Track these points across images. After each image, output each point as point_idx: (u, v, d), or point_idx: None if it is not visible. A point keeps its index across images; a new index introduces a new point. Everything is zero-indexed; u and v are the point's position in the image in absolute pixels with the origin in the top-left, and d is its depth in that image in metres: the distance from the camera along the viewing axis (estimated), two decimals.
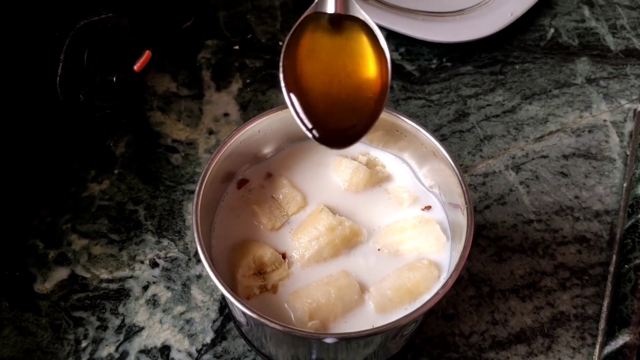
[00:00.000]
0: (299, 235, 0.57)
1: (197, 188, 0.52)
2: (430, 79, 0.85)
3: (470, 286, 0.67)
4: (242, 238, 0.57)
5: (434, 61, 0.87)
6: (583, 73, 0.87)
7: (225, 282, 0.46)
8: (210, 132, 0.79)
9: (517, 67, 0.87)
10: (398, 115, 0.56)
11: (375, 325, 0.51)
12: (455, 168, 0.53)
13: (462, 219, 0.52)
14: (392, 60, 0.86)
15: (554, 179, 0.76)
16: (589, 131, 0.81)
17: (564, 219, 0.72)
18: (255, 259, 0.54)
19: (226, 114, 0.81)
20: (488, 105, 0.83)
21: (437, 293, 0.47)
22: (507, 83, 0.85)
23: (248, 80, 0.84)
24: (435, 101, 0.83)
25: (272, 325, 0.47)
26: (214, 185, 0.55)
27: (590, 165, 0.77)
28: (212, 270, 0.47)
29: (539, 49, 0.90)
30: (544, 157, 0.78)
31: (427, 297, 0.53)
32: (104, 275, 0.67)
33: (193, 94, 0.83)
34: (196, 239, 0.49)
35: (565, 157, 0.78)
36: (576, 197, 0.74)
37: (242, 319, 0.56)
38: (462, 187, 0.52)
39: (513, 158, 0.78)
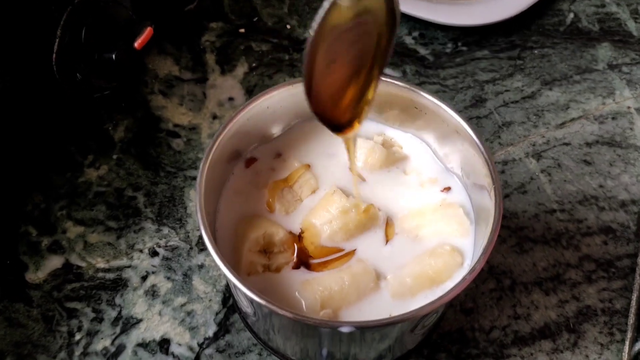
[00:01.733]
0: (311, 219, 0.53)
1: (202, 165, 0.48)
2: (445, 64, 0.82)
3: (490, 279, 0.63)
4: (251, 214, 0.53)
5: (449, 45, 0.84)
6: (605, 59, 0.83)
7: (227, 258, 0.42)
8: (214, 117, 0.76)
9: (536, 52, 0.84)
10: (417, 91, 0.52)
11: (393, 314, 0.47)
12: (481, 146, 0.49)
13: (487, 201, 0.48)
14: (405, 45, 0.84)
15: (577, 167, 0.72)
16: (613, 118, 0.77)
17: (588, 209, 0.69)
18: (265, 235, 0.51)
19: (231, 98, 0.78)
20: (506, 90, 0.79)
21: (463, 279, 0.43)
22: (526, 68, 0.82)
23: (254, 64, 0.81)
24: (450, 86, 0.79)
25: (282, 312, 0.43)
26: (219, 164, 0.52)
27: (615, 153, 0.74)
28: (211, 242, 0.43)
29: (558, 33, 0.86)
30: (566, 144, 0.74)
31: (449, 285, 0.49)
32: (101, 264, 0.64)
33: (196, 78, 0.80)
34: (198, 210, 0.45)
35: (588, 144, 0.75)
36: (601, 186, 0.71)
37: (248, 309, 0.52)
38: (488, 166, 0.48)
39: (533, 145, 0.74)
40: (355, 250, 0.52)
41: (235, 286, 0.44)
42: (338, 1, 0.40)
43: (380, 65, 0.46)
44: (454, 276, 0.50)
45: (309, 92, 0.42)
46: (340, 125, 0.47)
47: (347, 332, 0.43)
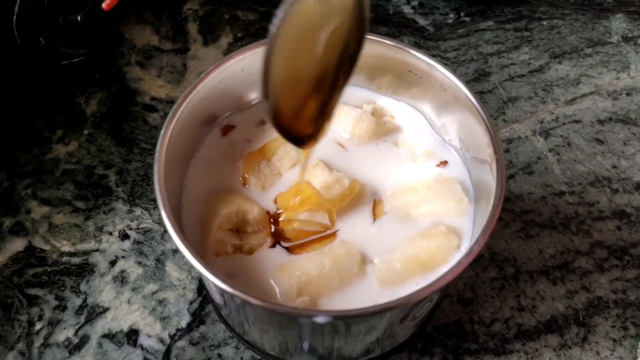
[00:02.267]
0: (289, 195, 0.47)
1: (164, 129, 0.43)
2: (446, 35, 0.77)
3: (491, 266, 0.60)
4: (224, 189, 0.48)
5: (451, 16, 0.79)
6: (619, 31, 0.78)
7: (192, 236, 0.37)
8: None
9: (544, 23, 0.78)
10: (411, 52, 0.47)
11: (379, 302, 0.41)
12: (482, 113, 0.43)
13: (488, 176, 0.43)
14: (403, 15, 0.78)
15: (588, 146, 0.68)
16: (627, 94, 0.72)
17: (600, 191, 0.65)
18: (238, 212, 0.46)
19: None
20: (512, 64, 0.75)
21: (459, 262, 0.38)
22: (534, 40, 0.76)
23: (239, 34, 0.77)
24: (451, 59, 0.74)
25: (250, 300, 0.38)
26: (189, 129, 0.47)
27: (630, 132, 0.69)
28: (165, 210, 0.38)
29: (568, 4, 0.81)
30: (577, 121, 0.69)
31: (443, 269, 0.44)
32: (66, 247, 0.61)
33: (177, 48, 0.75)
34: (155, 178, 0.40)
35: (600, 122, 0.70)
36: (614, 167, 0.67)
37: (218, 298, 0.47)
38: (490, 135, 0.42)
39: (541, 122, 0.69)
40: (338, 230, 0.48)
41: (195, 268, 0.39)
42: None
43: (345, 73, 0.43)
44: (450, 260, 0.45)
45: (267, 94, 0.38)
46: (300, 138, 0.44)
47: (323, 322, 0.37)
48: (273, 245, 0.46)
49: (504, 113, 0.70)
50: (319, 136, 0.44)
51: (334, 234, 0.47)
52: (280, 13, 0.36)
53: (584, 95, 0.72)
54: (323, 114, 0.44)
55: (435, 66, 0.46)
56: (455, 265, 0.38)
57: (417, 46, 0.75)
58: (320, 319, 0.37)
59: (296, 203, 0.47)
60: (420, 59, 0.47)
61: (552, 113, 0.70)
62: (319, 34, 0.40)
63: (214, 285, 0.39)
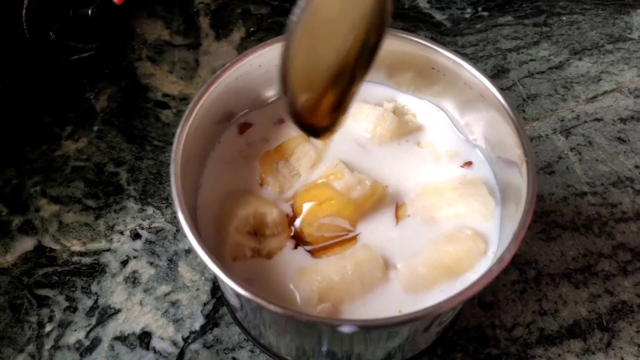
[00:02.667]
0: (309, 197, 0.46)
1: (179, 128, 0.41)
2: (464, 30, 0.75)
3: (512, 269, 0.58)
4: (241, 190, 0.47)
5: (468, 10, 0.78)
6: None
7: (209, 238, 0.35)
8: None
9: (564, 18, 0.77)
10: (436, 48, 0.45)
11: (403, 310, 0.41)
12: (511, 113, 0.42)
13: (517, 177, 0.42)
14: (419, 9, 0.77)
15: (610, 146, 0.67)
16: None
17: (623, 192, 0.63)
18: (256, 215, 0.45)
19: None
20: (531, 60, 0.73)
21: (489, 270, 0.36)
22: (553, 36, 0.75)
23: (252, 29, 0.76)
24: (469, 55, 0.73)
25: (271, 307, 0.36)
26: (205, 128, 0.46)
27: None
28: (184, 213, 0.37)
29: None
30: (598, 120, 0.68)
31: (470, 276, 0.43)
32: (76, 247, 0.60)
33: (188, 43, 0.74)
34: (172, 179, 0.39)
35: (622, 120, 0.69)
36: (637, 167, 0.65)
37: (234, 301, 0.45)
38: (519, 136, 0.41)
39: (562, 120, 0.68)
40: (359, 234, 0.47)
41: (214, 273, 0.37)
42: None
43: (364, 66, 0.43)
44: (476, 266, 0.43)
45: (285, 87, 0.38)
46: (316, 130, 0.44)
47: (349, 332, 0.36)
48: (295, 247, 0.45)
49: (523, 111, 0.69)
50: (336, 128, 0.44)
51: (354, 237, 0.45)
52: (301, 2, 0.35)
53: (605, 93, 0.71)
54: (340, 107, 0.43)
55: (462, 64, 0.45)
56: (485, 273, 0.37)
57: (434, 42, 0.74)
58: (345, 329, 0.36)
59: (316, 205, 0.45)
60: (447, 57, 0.45)
61: (573, 111, 0.69)
62: (339, 26, 0.40)
63: (233, 291, 0.38)
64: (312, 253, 0.45)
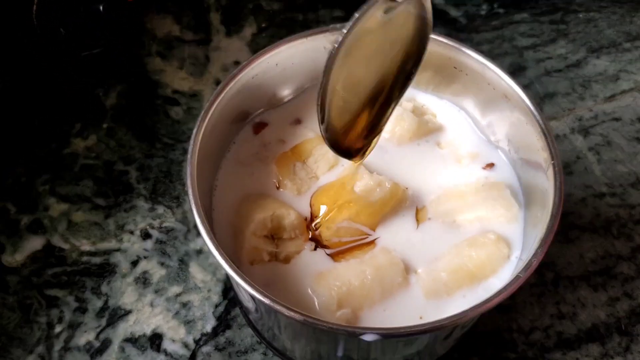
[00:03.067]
0: (326, 199, 0.45)
1: (195, 130, 0.41)
2: (480, 27, 0.75)
3: None
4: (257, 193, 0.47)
5: (484, 7, 0.77)
6: None
7: (225, 242, 0.34)
8: (218, 83, 0.70)
9: (580, 16, 0.76)
10: (457, 46, 0.44)
11: (425, 316, 0.41)
12: (536, 114, 0.41)
13: (543, 180, 0.41)
14: (434, 6, 0.76)
15: (629, 146, 0.66)
16: None
17: None
18: (274, 218, 0.44)
19: (237, 62, 0.72)
20: (548, 58, 0.72)
21: (517, 278, 0.36)
22: (570, 34, 0.74)
23: (263, 25, 0.75)
24: (485, 53, 0.70)
25: (289, 314, 0.35)
26: (219, 128, 0.45)
27: None
28: (201, 219, 0.36)
29: None
30: (616, 119, 0.68)
31: (493, 281, 0.42)
32: (86, 247, 0.59)
33: (199, 39, 0.74)
34: (188, 183, 0.39)
35: None
36: None
37: (249, 304, 0.44)
38: (545, 138, 0.40)
39: (580, 120, 0.67)
40: (379, 237, 0.46)
41: (232, 278, 0.36)
42: (372, 12, 0.37)
43: (398, 91, 0.44)
44: (499, 271, 0.43)
45: (323, 113, 0.39)
46: (349, 152, 0.46)
47: (371, 340, 0.35)
48: (315, 249, 0.45)
49: (541, 109, 0.67)
50: (369, 150, 0.45)
51: (373, 241, 0.45)
52: (345, 27, 0.36)
53: (623, 92, 0.70)
54: (374, 129, 0.45)
55: (486, 64, 0.44)
56: (512, 280, 0.36)
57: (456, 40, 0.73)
58: (368, 337, 0.35)
59: (334, 208, 0.44)
60: (471, 56, 0.45)
61: (591, 110, 0.68)
62: (378, 53, 0.41)
63: (250, 296, 0.37)
64: (332, 257, 0.44)
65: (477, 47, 0.72)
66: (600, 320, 0.55)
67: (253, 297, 0.37)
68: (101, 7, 0.59)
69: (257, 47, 0.72)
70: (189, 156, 0.41)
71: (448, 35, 0.72)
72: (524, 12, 0.76)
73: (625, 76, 0.71)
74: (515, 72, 0.70)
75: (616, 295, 0.57)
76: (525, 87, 0.68)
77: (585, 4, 0.78)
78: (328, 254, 0.44)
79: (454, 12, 0.76)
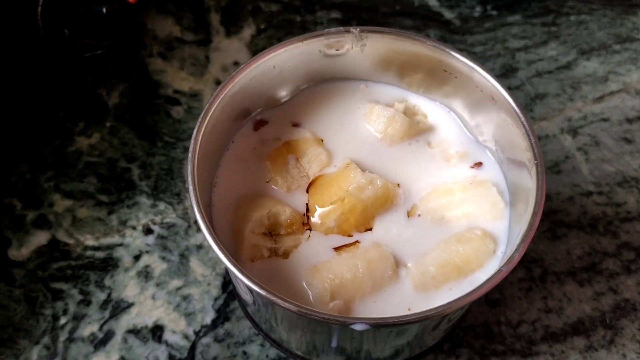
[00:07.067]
0: (320, 197, 0.46)
1: (195, 131, 0.42)
2: (473, 29, 0.76)
3: (519, 267, 0.59)
4: (253, 192, 0.48)
5: (477, 9, 0.78)
6: None
7: (226, 239, 0.36)
8: (218, 83, 0.71)
9: (572, 18, 0.77)
10: (447, 50, 0.46)
11: (413, 308, 0.42)
12: (521, 116, 0.43)
13: (527, 179, 0.42)
14: (428, 8, 0.77)
15: (617, 146, 0.67)
16: None
17: (628, 192, 0.64)
18: (270, 215, 0.46)
19: (236, 63, 0.73)
20: (539, 60, 0.73)
21: (499, 271, 0.37)
22: (561, 36, 0.75)
23: (262, 26, 0.76)
24: (478, 54, 0.73)
25: (285, 305, 0.37)
26: (219, 127, 0.46)
27: None
28: (203, 220, 0.37)
29: None
30: (605, 120, 0.68)
31: (478, 275, 0.43)
32: (90, 241, 0.60)
33: (199, 40, 0.74)
34: (189, 179, 0.39)
35: (629, 120, 0.69)
36: None
37: (247, 297, 0.46)
38: (529, 139, 0.42)
39: (569, 120, 0.68)
40: (371, 232, 0.47)
41: (230, 271, 0.38)
42: None
43: None
44: (485, 266, 0.44)
45: None
46: None
47: (361, 330, 0.37)
48: (309, 237, 0.46)
49: (531, 110, 0.69)
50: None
51: (367, 236, 0.46)
52: None
53: (612, 93, 0.71)
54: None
55: (474, 67, 0.45)
56: (495, 273, 0.38)
57: (443, 40, 0.74)
58: (358, 327, 0.36)
59: (328, 205, 0.46)
60: (459, 60, 0.46)
61: (580, 111, 0.69)
62: None
63: (248, 289, 0.39)
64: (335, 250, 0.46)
65: (470, 48, 0.74)
66: (586, 314, 0.56)
67: (251, 290, 0.39)
68: (104, 9, 0.59)
69: (256, 48, 0.73)
70: (189, 154, 0.42)
71: (442, 36, 0.74)
72: (517, 14, 0.77)
73: (614, 77, 0.72)
74: (507, 73, 0.71)
75: (601, 290, 0.58)
76: (517, 88, 0.71)
77: (577, 6, 0.78)
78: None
79: (448, 14, 0.77)
